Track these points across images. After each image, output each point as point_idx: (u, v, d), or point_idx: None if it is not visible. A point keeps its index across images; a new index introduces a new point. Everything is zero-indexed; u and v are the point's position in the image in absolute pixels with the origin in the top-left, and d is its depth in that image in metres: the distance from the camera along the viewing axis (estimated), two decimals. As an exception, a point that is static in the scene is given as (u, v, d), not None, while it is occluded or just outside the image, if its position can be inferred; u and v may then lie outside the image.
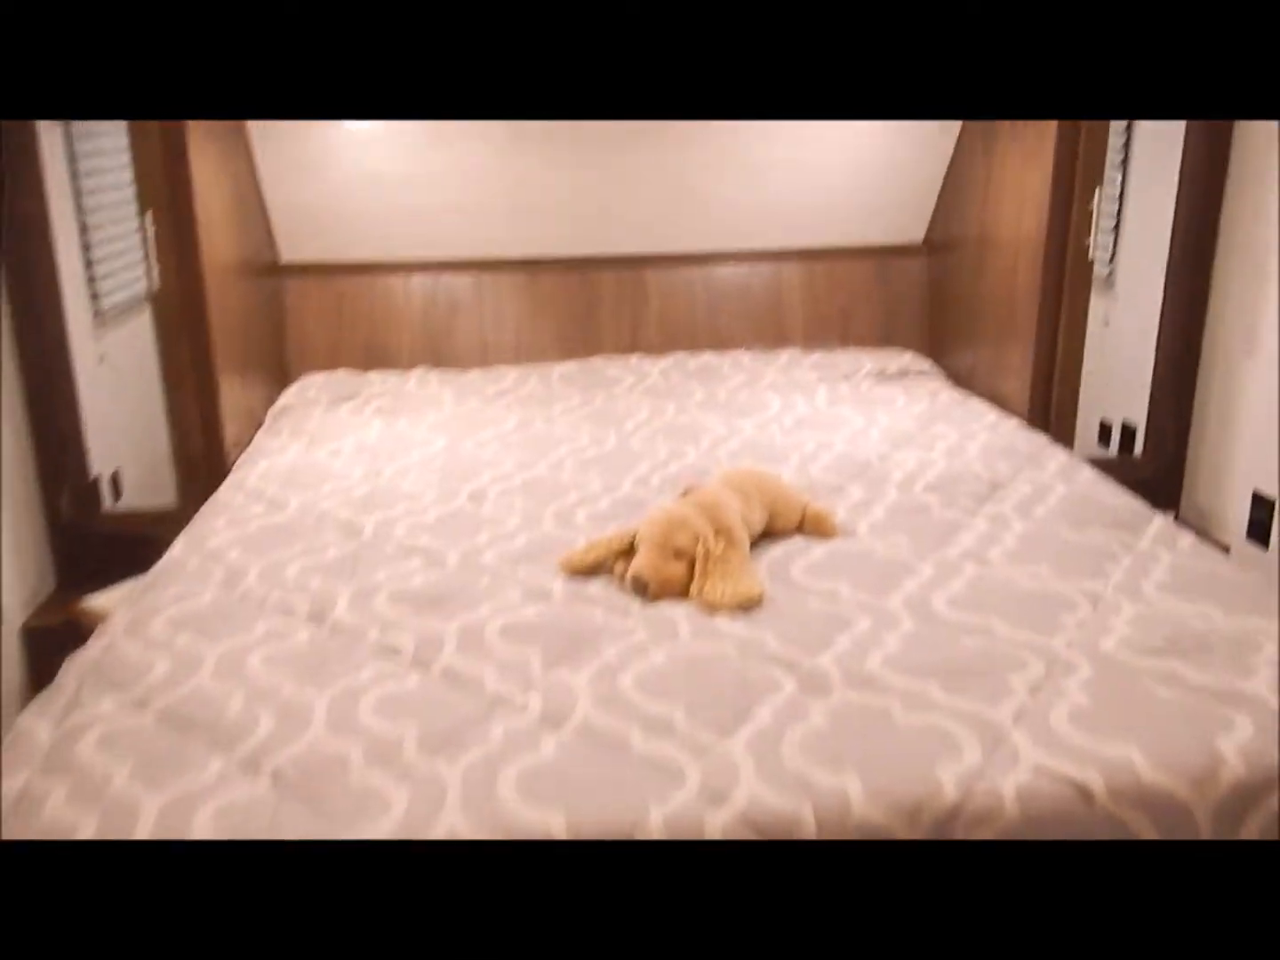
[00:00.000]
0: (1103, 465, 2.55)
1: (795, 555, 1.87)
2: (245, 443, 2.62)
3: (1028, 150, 2.56)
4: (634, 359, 3.02)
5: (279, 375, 2.99)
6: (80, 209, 2.48)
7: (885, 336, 3.19)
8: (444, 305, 3.05)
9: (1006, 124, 2.66)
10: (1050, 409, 2.62)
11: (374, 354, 3.04)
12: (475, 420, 2.64)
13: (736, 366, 2.99)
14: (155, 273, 2.29)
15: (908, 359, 3.04)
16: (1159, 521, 1.97)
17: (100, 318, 2.59)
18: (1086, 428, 2.78)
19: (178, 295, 2.34)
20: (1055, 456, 2.32)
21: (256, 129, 2.66)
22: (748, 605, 1.65)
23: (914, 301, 3.20)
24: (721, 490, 1.93)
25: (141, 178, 2.26)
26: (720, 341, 3.13)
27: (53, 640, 2.36)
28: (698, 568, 1.72)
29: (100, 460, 2.55)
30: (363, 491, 2.20)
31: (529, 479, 2.26)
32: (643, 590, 1.72)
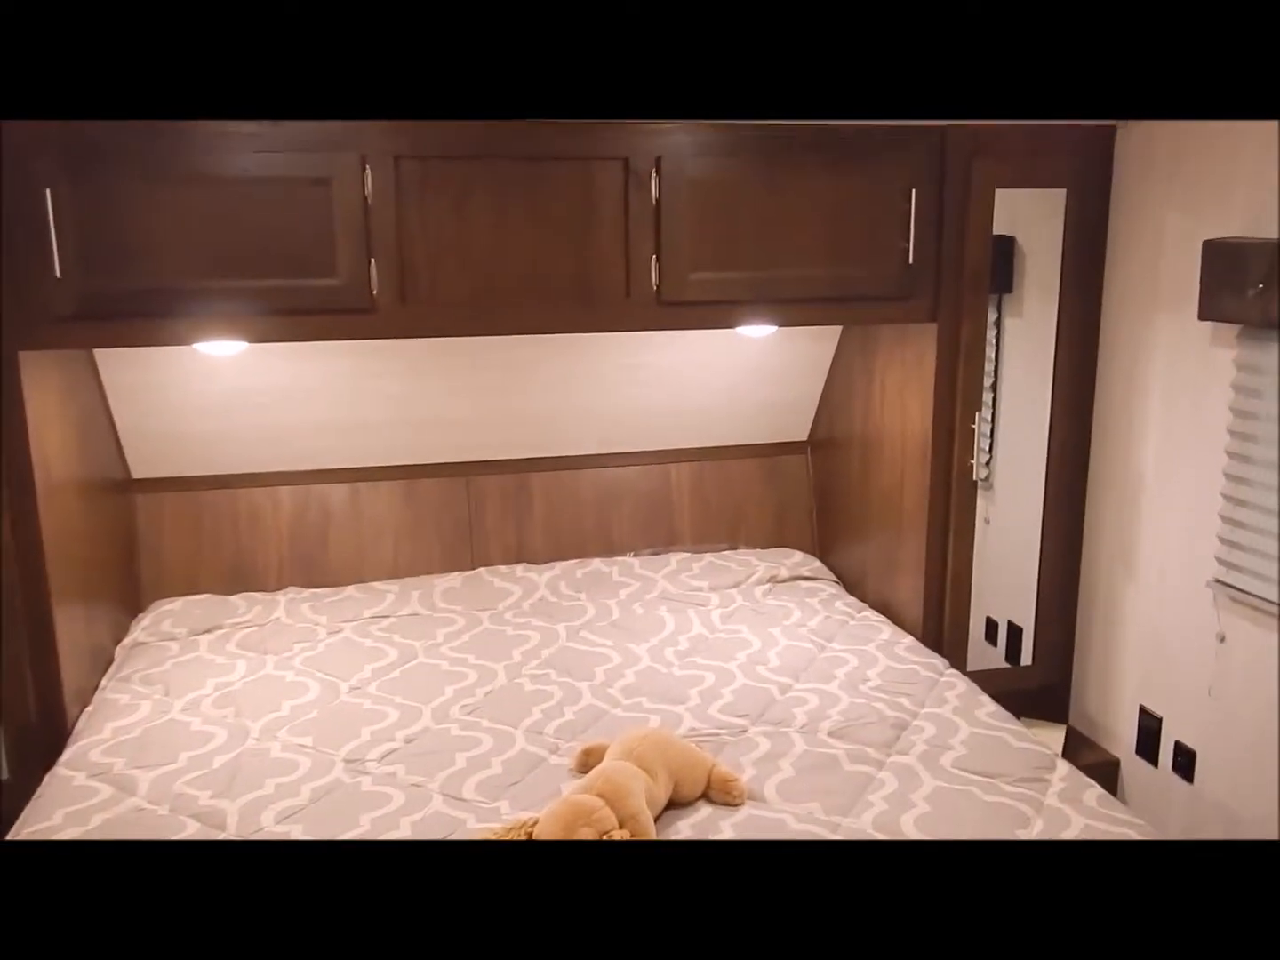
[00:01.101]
0: (994, 677, 2.57)
1: (704, 834, 1.77)
2: (91, 689, 2.36)
3: (907, 370, 2.61)
4: (520, 569, 2.89)
5: (131, 602, 2.73)
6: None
7: (775, 533, 3.16)
8: (316, 518, 2.87)
9: (884, 339, 2.72)
10: (944, 619, 2.62)
11: (239, 573, 2.81)
12: (351, 655, 2.45)
13: (626, 573, 2.90)
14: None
15: (798, 559, 3.01)
16: (1061, 770, 1.96)
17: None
18: (973, 624, 2.80)
19: (12, 549, 2.12)
20: (954, 685, 2.30)
21: (102, 351, 2.47)
22: (659, 913, 1.53)
23: (801, 498, 3.19)
24: (623, 767, 1.82)
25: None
26: (608, 544, 3.04)
27: None
28: (603, 870, 1.60)
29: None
30: (225, 761, 2.00)
31: (411, 735, 2.10)
32: (544, 897, 1.58)
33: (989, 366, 2.65)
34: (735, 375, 2.96)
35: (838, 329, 2.92)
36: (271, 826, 1.78)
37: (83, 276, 2.03)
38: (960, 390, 2.48)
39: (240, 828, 1.78)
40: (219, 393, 2.62)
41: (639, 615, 2.69)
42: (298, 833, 1.76)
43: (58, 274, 2.01)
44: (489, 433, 2.91)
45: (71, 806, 1.85)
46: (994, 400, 2.84)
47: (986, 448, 2.84)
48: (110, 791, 1.90)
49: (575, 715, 2.18)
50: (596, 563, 2.95)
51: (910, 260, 2.40)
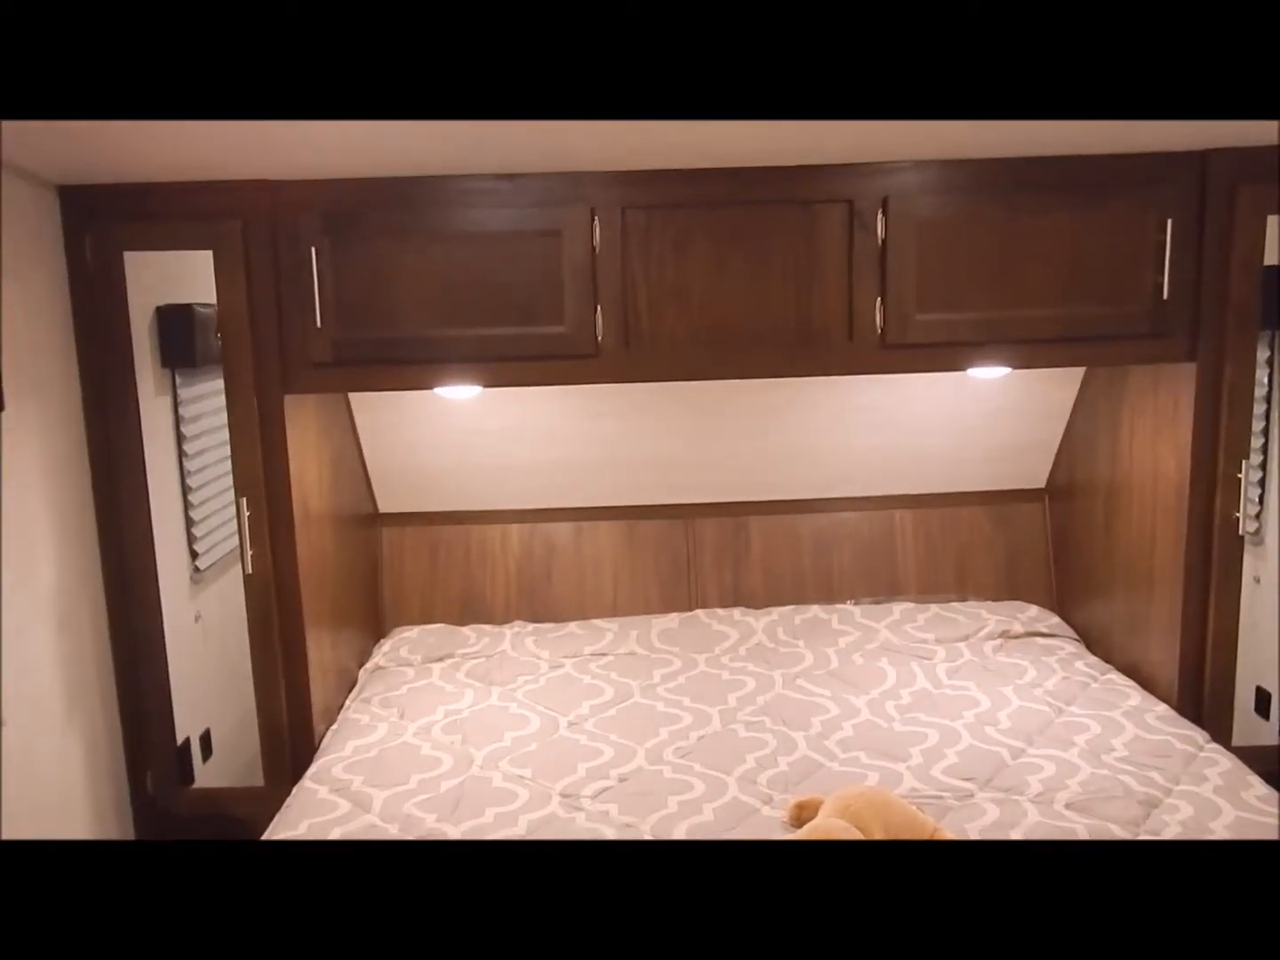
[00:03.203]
0: (1266, 755, 2.28)
1: (923, 904, 1.66)
2: (336, 708, 2.54)
3: (1160, 413, 2.40)
4: (737, 613, 2.88)
5: (373, 627, 2.94)
6: (182, 468, 2.51)
7: (1007, 586, 2.98)
8: (541, 554, 2.99)
9: (1133, 380, 2.52)
10: (1204, 686, 2.36)
11: (469, 604, 2.97)
12: (571, 691, 2.52)
13: (846, 621, 2.82)
14: (249, 557, 2.26)
15: (1033, 614, 2.82)
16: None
17: (199, 575, 2.59)
18: (1242, 694, 2.50)
19: (271, 575, 2.31)
20: (1216, 762, 2.06)
21: (356, 395, 2.70)
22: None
23: (1037, 550, 3.00)
24: (838, 825, 1.75)
25: (238, 464, 2.27)
26: (828, 590, 2.97)
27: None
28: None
29: (192, 720, 2.52)
30: (451, 786, 2.08)
31: (625, 775, 2.11)
32: (751, 954, 1.54)
33: (1259, 409, 2.39)
34: (966, 419, 2.82)
35: (1080, 370, 2.73)
36: (490, 855, 1.84)
37: (338, 326, 2.21)
38: (1224, 435, 2.25)
39: (461, 853, 1.85)
40: (456, 433, 2.79)
41: (859, 665, 2.61)
42: (514, 863, 1.81)
43: (318, 324, 2.20)
44: (708, 475, 2.92)
45: (315, 818, 1.98)
46: (1264, 445, 2.57)
47: (1256, 499, 2.56)
48: (349, 807, 2.03)
49: (789, 766, 2.12)
50: (815, 609, 2.89)
51: (1165, 295, 2.21)
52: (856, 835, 1.74)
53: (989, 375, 2.62)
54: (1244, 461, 2.25)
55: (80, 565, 2.24)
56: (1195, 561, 2.33)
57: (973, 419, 2.83)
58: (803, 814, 1.89)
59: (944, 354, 2.26)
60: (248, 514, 2.26)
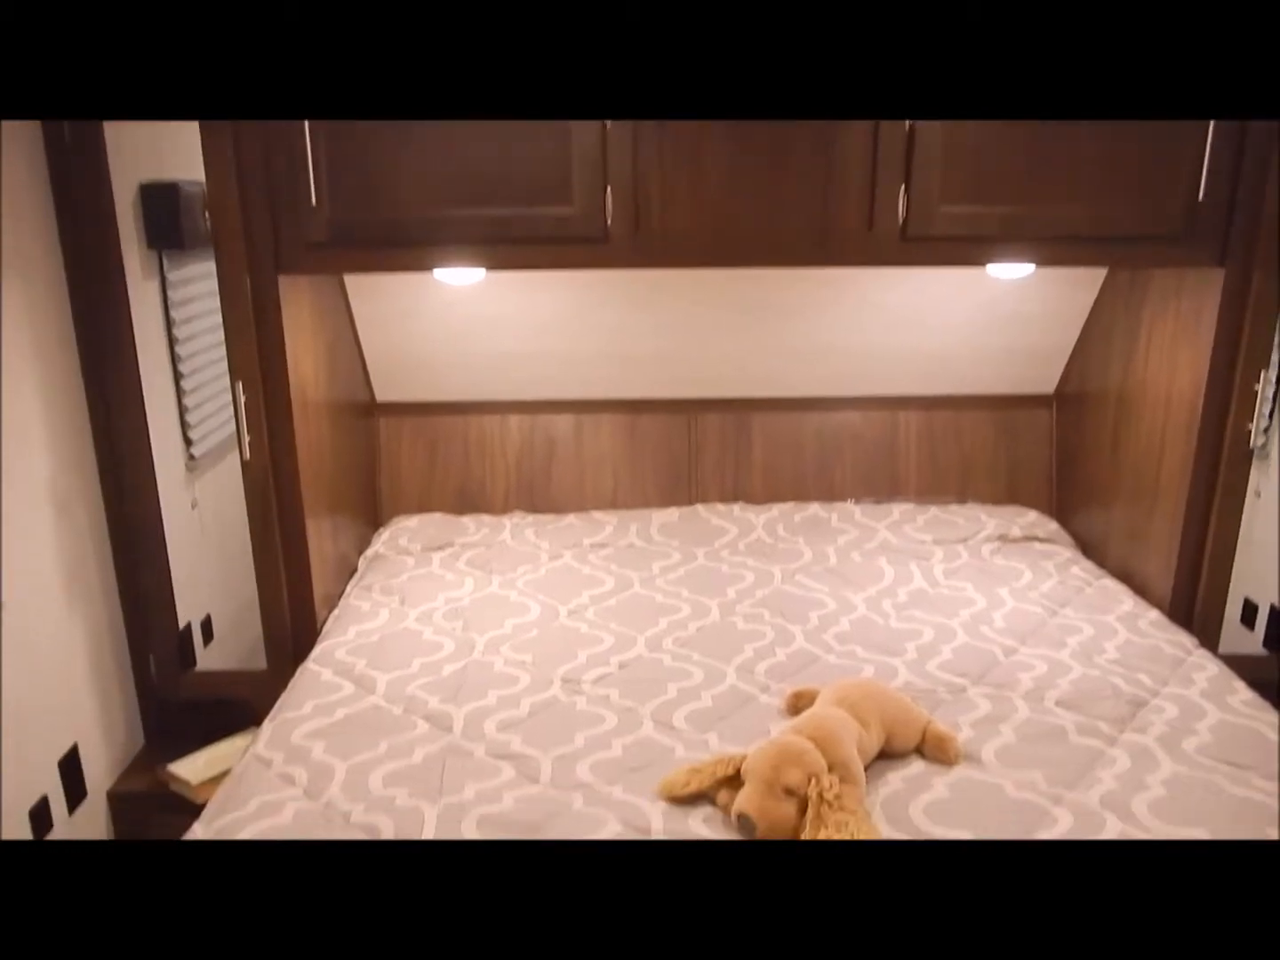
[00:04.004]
0: (1250, 664, 2.31)
1: (916, 789, 1.70)
2: (337, 595, 2.56)
3: (1181, 321, 2.35)
4: (737, 508, 2.88)
5: (371, 517, 2.93)
6: (174, 353, 2.47)
7: (1008, 492, 2.98)
8: (541, 447, 2.97)
9: (1155, 286, 2.46)
10: (1197, 597, 2.38)
11: (468, 495, 2.96)
12: (571, 580, 2.53)
13: (846, 520, 2.83)
14: (246, 443, 2.23)
15: (1032, 519, 2.83)
16: (1334, 767, 1.75)
17: (194, 462, 2.57)
18: (1230, 604, 2.53)
19: (269, 462, 2.28)
20: (1204, 666, 2.10)
21: (352, 280, 2.62)
22: (864, 863, 1.50)
23: (1040, 456, 2.99)
24: (835, 713, 1.78)
25: (233, 348, 2.19)
26: (828, 490, 2.97)
27: (138, 805, 2.32)
28: (810, 812, 1.57)
29: (192, 605, 2.53)
30: (453, 670, 2.11)
31: (625, 662, 2.14)
32: (749, 830, 1.58)
33: (1275, 337, 2.36)
34: (980, 320, 2.77)
35: (1100, 273, 2.67)
36: (493, 734, 1.87)
37: (334, 205, 2.11)
38: (1245, 344, 2.20)
39: (465, 732, 1.88)
40: (456, 320, 2.73)
41: (857, 563, 2.62)
42: (516, 742, 1.84)
43: (313, 202, 2.11)
44: (712, 370, 2.88)
45: (320, 699, 2.01)
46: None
47: (1267, 413, 2.54)
48: (352, 689, 2.05)
49: (787, 658, 2.15)
50: (815, 507, 2.90)
51: (1200, 197, 2.13)
52: (853, 725, 1.76)
53: (1008, 274, 2.57)
54: (1263, 372, 2.22)
55: (74, 451, 2.21)
56: (1201, 476, 2.32)
57: (986, 320, 2.78)
58: (799, 703, 1.92)
59: (966, 248, 2.18)
60: (244, 400, 2.21)
